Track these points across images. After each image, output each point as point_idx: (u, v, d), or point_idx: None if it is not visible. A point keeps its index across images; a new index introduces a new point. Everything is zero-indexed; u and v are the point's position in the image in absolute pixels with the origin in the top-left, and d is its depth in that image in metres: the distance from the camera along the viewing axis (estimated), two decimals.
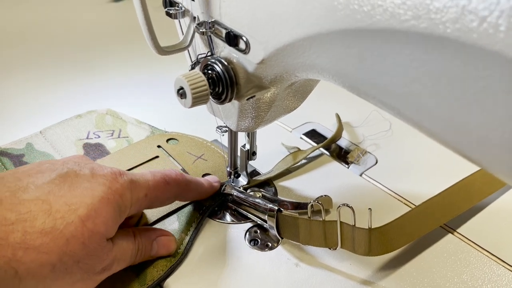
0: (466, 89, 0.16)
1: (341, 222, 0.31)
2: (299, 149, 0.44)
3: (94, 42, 0.65)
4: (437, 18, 0.15)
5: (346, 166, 0.43)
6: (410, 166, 0.43)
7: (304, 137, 0.47)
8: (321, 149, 0.45)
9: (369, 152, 0.45)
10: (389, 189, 0.40)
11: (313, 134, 0.48)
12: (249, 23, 0.23)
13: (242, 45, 0.25)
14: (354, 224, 0.31)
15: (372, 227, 0.30)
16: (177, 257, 0.32)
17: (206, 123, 0.42)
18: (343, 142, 0.46)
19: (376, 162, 0.44)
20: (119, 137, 0.44)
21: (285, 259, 0.34)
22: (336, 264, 0.33)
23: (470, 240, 0.35)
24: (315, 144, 0.45)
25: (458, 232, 0.36)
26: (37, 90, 0.54)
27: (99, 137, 0.43)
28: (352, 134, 0.47)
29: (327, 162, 0.44)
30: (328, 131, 0.48)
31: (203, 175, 0.39)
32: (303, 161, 0.43)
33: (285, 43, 0.22)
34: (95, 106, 0.49)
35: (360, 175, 0.42)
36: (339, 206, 0.31)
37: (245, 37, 0.24)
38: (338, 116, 0.47)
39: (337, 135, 0.45)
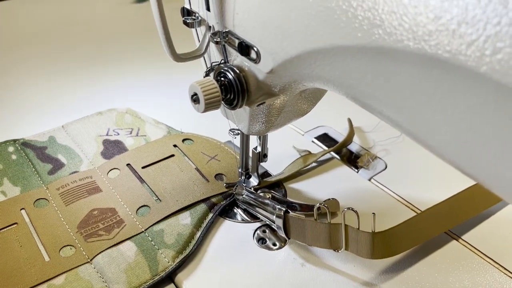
0: (455, 106, 0.17)
1: (345, 225, 0.32)
2: (310, 152, 0.45)
3: (117, 43, 0.68)
4: (430, 40, 0.17)
5: (356, 170, 0.44)
6: (419, 173, 0.44)
7: (315, 140, 0.48)
8: (332, 153, 0.46)
9: (379, 157, 0.45)
10: (397, 195, 0.41)
11: (324, 138, 0.49)
12: (260, 35, 0.25)
13: (253, 55, 0.26)
14: (358, 228, 0.32)
15: (375, 231, 0.31)
16: (188, 251, 0.34)
17: (220, 125, 0.43)
18: (353, 147, 0.47)
19: (386, 167, 0.44)
20: (137, 135, 0.46)
21: (292, 259, 0.35)
22: (340, 265, 0.34)
23: (474, 247, 0.36)
24: (326, 148, 0.46)
25: (462, 239, 0.37)
26: (61, 87, 0.56)
27: (118, 134, 0.46)
28: (363, 139, 0.48)
29: (337, 166, 0.45)
30: (339, 136, 0.49)
31: (215, 175, 0.41)
32: (313, 164, 0.44)
33: (292, 55, 0.23)
34: (115, 105, 0.51)
35: (369, 180, 0.43)
36: (344, 210, 0.32)
37: (256, 47, 0.26)
38: (350, 121, 0.48)
39: (348, 140, 0.46)
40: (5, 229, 0.35)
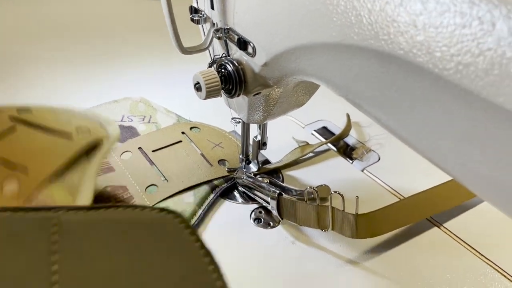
0: (413, 102, 0.20)
1: (332, 207, 0.35)
2: (307, 143, 0.48)
3: (132, 37, 0.72)
4: (388, 39, 0.20)
5: (350, 161, 0.47)
6: (410, 166, 0.47)
7: (315, 133, 0.52)
8: (329, 144, 0.49)
9: (373, 150, 0.48)
10: (387, 185, 0.44)
11: (323, 131, 0.52)
12: (255, 32, 0.28)
13: (250, 49, 0.29)
14: (343, 210, 0.35)
15: (359, 213, 0.35)
16: (194, 220, 0.37)
17: (226, 116, 0.47)
18: (350, 140, 0.50)
19: (379, 160, 0.47)
20: (149, 122, 0.50)
21: (283, 237, 0.38)
22: (328, 244, 0.38)
23: (454, 234, 0.39)
24: (324, 140, 0.50)
25: (444, 226, 0.40)
26: (82, 77, 0.60)
27: (132, 120, 0.50)
28: (359, 133, 0.51)
29: (333, 157, 0.48)
30: (338, 129, 0.52)
31: (219, 161, 0.45)
32: (311, 154, 0.48)
33: (281, 51, 0.26)
34: (130, 94, 0.55)
35: (362, 171, 0.46)
36: (331, 193, 0.35)
37: (252, 43, 0.29)
38: (348, 116, 0.51)
39: (345, 133, 0.49)
40: None
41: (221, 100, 0.40)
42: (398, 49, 0.19)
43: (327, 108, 0.54)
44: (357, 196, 0.34)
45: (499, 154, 0.18)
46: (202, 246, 0.17)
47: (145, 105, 0.53)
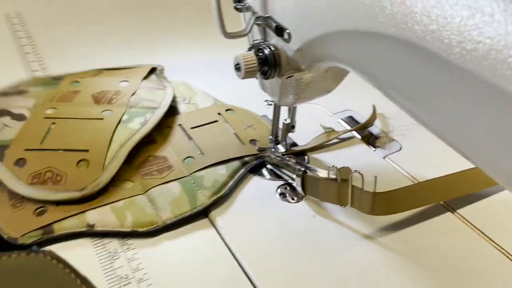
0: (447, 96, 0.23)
1: (352, 185, 0.39)
2: (333, 130, 0.51)
3: (179, 25, 0.76)
4: (426, 36, 0.23)
5: (373, 149, 0.50)
6: (431, 156, 0.49)
7: (341, 121, 0.55)
8: (354, 132, 0.52)
9: (395, 140, 0.51)
10: (406, 172, 0.47)
11: (350, 120, 0.55)
12: (291, 20, 0.32)
13: (285, 36, 0.33)
14: (362, 188, 0.38)
15: (376, 191, 0.38)
16: (221, 194, 0.41)
17: (258, 102, 0.51)
18: (374, 130, 0.53)
19: (400, 149, 0.50)
20: (189, 103, 0.54)
21: (306, 211, 0.42)
22: (346, 219, 0.41)
23: (467, 220, 0.41)
24: (349, 128, 0.53)
25: (457, 212, 0.42)
26: (133, 62, 0.66)
27: (174, 101, 0.54)
28: (384, 124, 0.54)
29: (357, 144, 0.51)
30: (363, 119, 0.55)
31: (250, 140, 0.49)
32: (336, 140, 0.51)
33: (313, 37, 0.30)
34: (173, 77, 0.59)
35: (384, 158, 0.49)
36: (352, 172, 0.38)
37: (288, 30, 0.33)
38: (374, 107, 0.54)
39: (369, 122, 0.52)
40: None
41: (255, 87, 0.44)
42: (414, 36, 0.23)
43: (355, 99, 0.57)
44: (375, 176, 0.38)
45: (503, 136, 0.21)
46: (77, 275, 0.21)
47: (186, 88, 0.57)
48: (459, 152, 0.25)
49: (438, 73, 0.22)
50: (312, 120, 0.54)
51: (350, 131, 0.51)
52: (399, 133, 0.52)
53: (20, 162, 0.42)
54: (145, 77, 0.56)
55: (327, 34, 0.28)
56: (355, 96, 0.55)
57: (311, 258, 0.38)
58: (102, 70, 0.58)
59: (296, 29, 0.32)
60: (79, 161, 0.43)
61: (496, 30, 0.19)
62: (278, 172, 0.45)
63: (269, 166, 0.46)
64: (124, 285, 0.34)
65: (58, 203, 0.40)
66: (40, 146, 0.44)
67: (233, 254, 0.38)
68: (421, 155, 0.49)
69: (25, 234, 0.37)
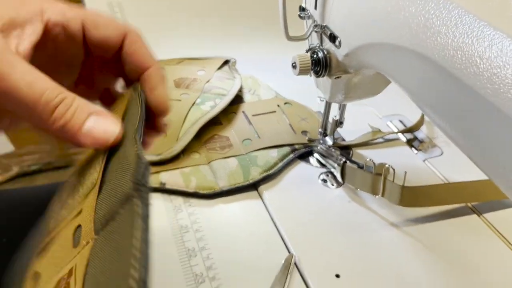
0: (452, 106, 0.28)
1: (384, 177, 0.44)
2: (380, 130, 0.56)
3: (252, 25, 0.84)
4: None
5: (415, 152, 0.55)
6: (470, 165, 0.52)
7: (390, 124, 0.59)
8: (400, 135, 0.57)
9: (438, 146, 0.55)
10: (442, 175, 0.51)
11: (398, 124, 0.60)
12: (343, 30, 0.38)
13: (337, 42, 0.39)
14: (393, 180, 0.43)
15: (405, 185, 0.43)
16: (272, 171, 0.48)
17: (313, 99, 0.57)
18: (419, 135, 0.57)
19: (441, 154, 0.54)
20: (253, 94, 0.62)
21: (342, 196, 0.48)
22: (377, 207, 0.46)
23: (491, 224, 0.45)
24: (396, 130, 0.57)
25: (483, 216, 0.46)
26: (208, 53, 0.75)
27: (241, 91, 0.62)
28: (430, 130, 0.58)
29: (400, 145, 0.55)
30: (411, 124, 0.59)
31: (302, 131, 0.55)
32: (381, 140, 0.56)
33: (358, 46, 0.36)
34: (243, 71, 0.67)
35: (423, 161, 0.53)
36: (385, 165, 0.44)
37: (339, 38, 0.39)
38: (422, 114, 0.58)
39: (416, 127, 0.57)
40: None
41: (311, 86, 0.51)
42: (451, 65, 0.28)
43: (406, 105, 0.61)
44: (405, 171, 0.43)
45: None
46: None
47: (252, 81, 0.65)
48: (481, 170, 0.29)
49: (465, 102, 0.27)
50: (362, 120, 0.59)
51: (395, 133, 0.56)
52: (443, 140, 0.56)
53: None
54: (219, 68, 0.65)
55: (368, 44, 0.34)
56: (407, 102, 0.59)
57: (341, 236, 0.43)
58: (184, 59, 0.68)
59: (345, 37, 0.38)
60: None
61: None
62: (322, 161, 0.52)
63: (315, 155, 0.53)
64: (184, 233, 0.43)
65: (152, 162, 0.49)
66: None
67: (274, 223, 0.45)
68: (460, 162, 0.52)
69: None
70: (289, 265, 0.40)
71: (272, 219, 0.45)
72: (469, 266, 0.41)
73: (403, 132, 0.56)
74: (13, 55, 0.22)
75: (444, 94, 0.29)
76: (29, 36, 0.24)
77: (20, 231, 0.50)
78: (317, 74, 0.42)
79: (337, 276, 0.39)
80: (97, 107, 0.23)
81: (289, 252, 0.42)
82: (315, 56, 0.42)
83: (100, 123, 0.22)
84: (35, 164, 0.67)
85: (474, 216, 0.46)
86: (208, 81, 0.61)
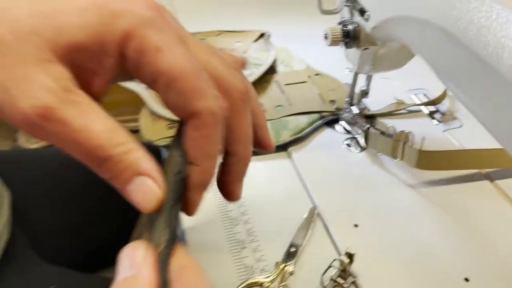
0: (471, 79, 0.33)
1: (404, 142, 0.48)
2: (404, 102, 0.60)
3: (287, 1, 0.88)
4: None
5: (436, 123, 0.58)
6: (488, 136, 0.56)
7: (414, 97, 0.63)
8: (423, 107, 0.60)
9: (458, 119, 0.59)
10: (460, 145, 0.55)
11: (422, 97, 0.63)
12: (371, 4, 0.42)
13: (365, 16, 0.43)
14: (411, 145, 0.48)
15: (422, 149, 0.47)
16: (301, 134, 0.53)
17: (342, 71, 0.61)
18: (442, 108, 0.61)
19: (461, 126, 0.57)
20: (286, 65, 0.66)
21: (363, 159, 0.53)
22: (396, 170, 0.51)
23: (503, 190, 0.48)
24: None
25: (495, 182, 0.49)
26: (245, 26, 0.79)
27: (275, 63, 0.67)
28: (452, 104, 0.61)
29: (422, 116, 0.59)
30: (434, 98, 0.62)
31: (330, 100, 0.60)
32: (404, 111, 0.60)
33: (384, 19, 0.40)
34: (277, 43, 0.72)
35: (443, 132, 0.57)
36: (403, 131, 0.48)
37: (368, 12, 0.43)
38: (446, 89, 0.62)
39: (438, 100, 0.60)
40: None
41: (339, 60, 0.55)
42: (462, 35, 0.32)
43: (431, 79, 0.64)
44: (423, 136, 0.47)
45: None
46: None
47: (286, 53, 0.69)
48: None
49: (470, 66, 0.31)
50: (387, 92, 0.63)
51: (418, 105, 0.60)
52: (463, 113, 0.59)
53: None
54: (255, 40, 0.70)
55: (393, 17, 0.38)
56: (431, 77, 0.63)
57: (360, 192, 0.48)
58: (223, 31, 0.72)
59: (373, 11, 0.42)
60: None
61: None
62: (348, 127, 0.56)
63: (341, 122, 0.57)
64: None
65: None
66: None
67: (300, 179, 0.50)
68: (478, 134, 0.56)
69: (158, 139, 0.53)
70: (313, 215, 0.45)
71: (299, 176, 0.50)
72: (478, 228, 0.45)
73: (425, 104, 0.60)
74: (77, 93, 0.20)
75: (458, 63, 0.33)
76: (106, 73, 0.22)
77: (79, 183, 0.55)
78: (347, 45, 0.46)
79: (356, 225, 0.45)
80: (149, 166, 0.21)
81: (313, 204, 0.47)
82: (345, 28, 0.46)
83: (143, 187, 0.21)
84: None
85: (487, 182, 0.49)
86: (244, 52, 0.66)
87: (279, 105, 0.58)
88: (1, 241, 0.47)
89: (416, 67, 0.51)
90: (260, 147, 0.30)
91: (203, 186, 0.24)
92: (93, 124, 0.20)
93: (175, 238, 0.21)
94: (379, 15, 0.41)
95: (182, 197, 0.23)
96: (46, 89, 0.19)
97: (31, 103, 0.18)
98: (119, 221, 0.57)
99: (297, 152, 0.53)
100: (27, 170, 0.57)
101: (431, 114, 0.60)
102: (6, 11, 0.18)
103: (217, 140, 0.23)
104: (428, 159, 0.47)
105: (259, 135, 0.29)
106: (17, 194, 0.52)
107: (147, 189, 0.21)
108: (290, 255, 0.41)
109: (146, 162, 0.21)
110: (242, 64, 0.29)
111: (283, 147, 0.54)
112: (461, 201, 0.47)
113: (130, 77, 0.23)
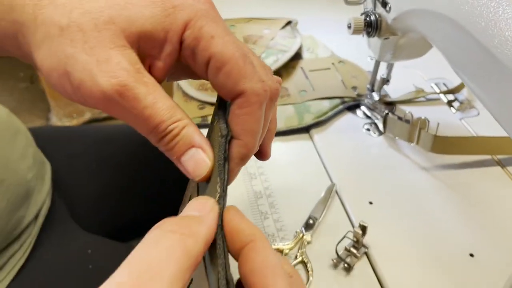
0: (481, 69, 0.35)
1: (419, 127, 0.51)
2: (423, 90, 0.63)
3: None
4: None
5: (453, 111, 0.61)
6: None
7: (434, 86, 0.65)
8: (441, 95, 0.63)
9: (475, 108, 0.61)
10: (475, 132, 0.57)
11: (442, 86, 0.65)
12: None
13: (387, 8, 0.46)
14: (427, 130, 0.51)
15: (436, 134, 0.50)
16: (323, 117, 0.57)
17: (364, 59, 0.64)
18: (460, 97, 0.63)
19: (478, 114, 0.60)
20: (311, 52, 0.70)
21: (381, 142, 0.56)
22: (411, 153, 0.54)
23: None
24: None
25: (506, 168, 0.52)
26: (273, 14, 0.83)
27: (300, 49, 0.70)
28: (470, 93, 0.63)
29: (440, 105, 0.62)
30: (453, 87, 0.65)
31: (352, 87, 0.63)
32: (423, 99, 0.62)
33: (404, 11, 0.43)
34: (304, 31, 0.75)
35: (460, 120, 0.59)
36: (420, 118, 0.51)
37: (389, 4, 0.46)
38: None
39: (457, 89, 0.62)
40: None
41: (362, 48, 0.58)
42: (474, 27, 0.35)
43: (450, 69, 0.66)
44: (438, 122, 0.50)
45: None
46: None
47: (311, 41, 0.73)
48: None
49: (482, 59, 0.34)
50: (407, 81, 0.66)
51: (437, 93, 0.62)
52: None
53: None
54: (282, 28, 0.73)
55: (413, 10, 0.41)
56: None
57: (376, 173, 0.52)
58: (252, 18, 0.76)
59: (394, 3, 0.45)
60: None
61: None
62: (368, 113, 0.59)
63: (362, 107, 0.60)
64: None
65: (212, 103, 0.60)
66: None
67: (321, 159, 0.54)
68: (494, 123, 0.58)
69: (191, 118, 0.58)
70: (331, 192, 0.49)
71: (319, 156, 0.54)
72: (488, 211, 0.48)
73: (444, 93, 0.62)
74: (143, 73, 0.23)
75: (468, 54, 0.36)
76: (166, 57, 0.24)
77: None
78: (369, 34, 0.49)
79: (370, 203, 0.48)
80: (200, 139, 0.24)
81: (331, 182, 0.51)
82: (368, 19, 0.49)
83: (195, 158, 0.24)
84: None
85: (498, 168, 0.52)
86: (272, 39, 0.69)
87: (303, 90, 0.62)
88: (44, 208, 0.53)
89: (437, 57, 0.53)
90: (259, 151, 0.31)
91: (244, 159, 0.25)
92: (159, 102, 0.22)
93: (226, 194, 0.24)
94: (399, 7, 0.44)
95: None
96: (123, 68, 0.22)
97: (110, 81, 0.21)
98: (153, 195, 0.62)
99: (318, 134, 0.57)
100: (66, 144, 0.62)
101: (449, 103, 0.62)
102: (87, 3, 0.22)
103: (259, 118, 0.25)
104: (443, 144, 0.50)
105: (265, 141, 0.30)
106: (56, 166, 0.57)
107: (198, 158, 0.24)
108: (308, 226, 0.45)
109: (198, 136, 0.24)
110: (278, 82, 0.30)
111: (306, 129, 0.57)
112: (472, 184, 0.50)
113: (183, 71, 0.27)
